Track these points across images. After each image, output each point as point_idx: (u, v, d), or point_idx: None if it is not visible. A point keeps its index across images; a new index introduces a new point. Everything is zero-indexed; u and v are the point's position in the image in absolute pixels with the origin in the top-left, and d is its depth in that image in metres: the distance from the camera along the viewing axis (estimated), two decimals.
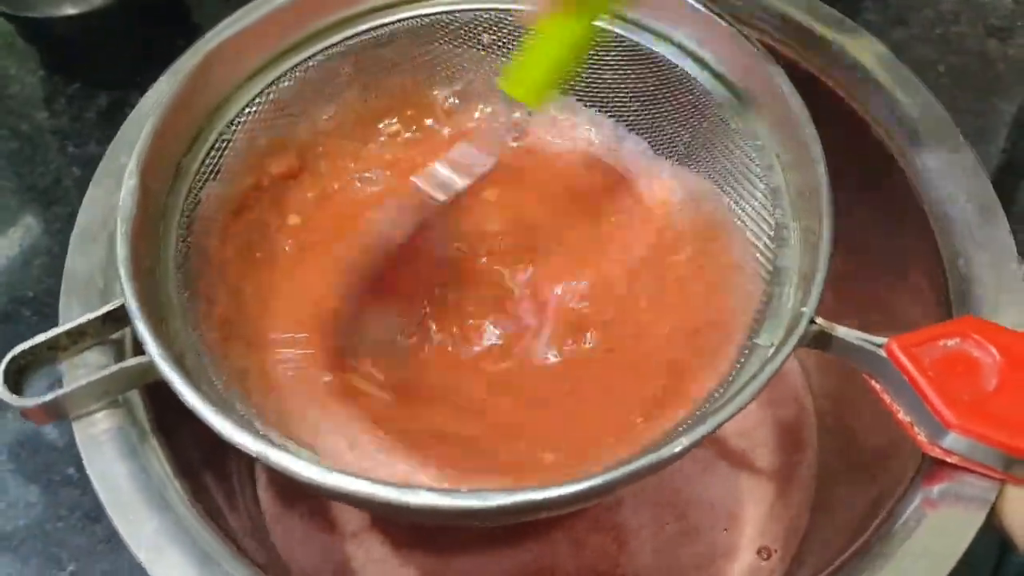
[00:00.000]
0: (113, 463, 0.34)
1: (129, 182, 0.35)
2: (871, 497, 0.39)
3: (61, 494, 0.47)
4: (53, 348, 0.34)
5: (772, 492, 0.49)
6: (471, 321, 0.42)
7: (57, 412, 0.33)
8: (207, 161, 0.39)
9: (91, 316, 0.34)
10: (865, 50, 0.44)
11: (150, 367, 0.32)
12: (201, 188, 0.39)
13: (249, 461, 0.49)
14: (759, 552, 0.47)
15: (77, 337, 0.34)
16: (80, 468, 0.45)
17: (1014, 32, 0.61)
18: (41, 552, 0.45)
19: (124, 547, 0.42)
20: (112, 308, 0.34)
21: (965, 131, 0.42)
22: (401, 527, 0.47)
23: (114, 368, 0.33)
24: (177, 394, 0.31)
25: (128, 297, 0.33)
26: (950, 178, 0.40)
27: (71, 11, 0.58)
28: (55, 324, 0.51)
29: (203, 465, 0.40)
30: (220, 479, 0.43)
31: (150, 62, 0.43)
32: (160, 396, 0.36)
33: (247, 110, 0.41)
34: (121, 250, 0.33)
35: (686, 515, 0.47)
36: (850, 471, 0.47)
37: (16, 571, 0.45)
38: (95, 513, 0.46)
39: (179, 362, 0.32)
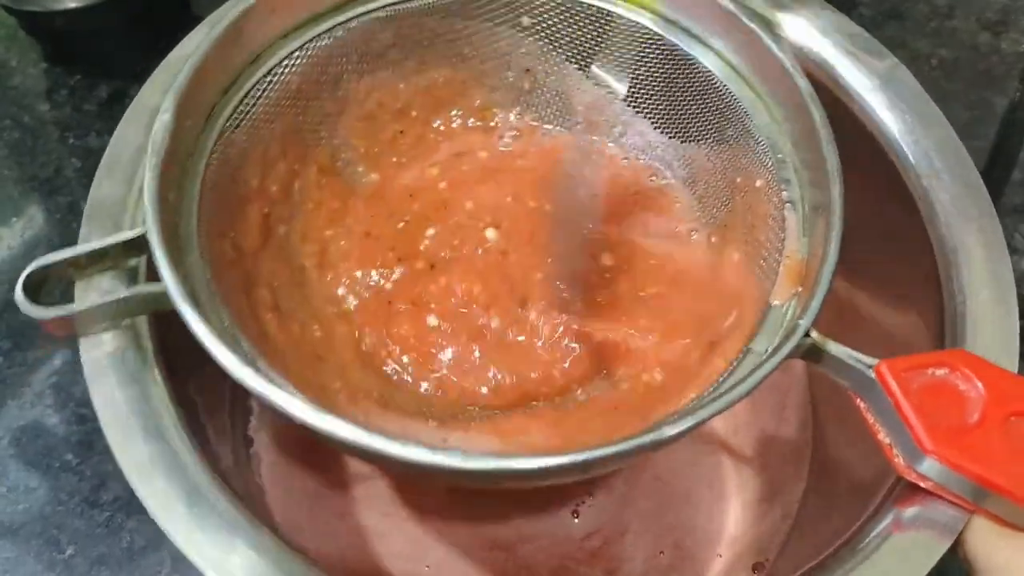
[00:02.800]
0: (114, 389, 0.35)
1: (163, 116, 0.36)
2: (851, 512, 0.39)
3: (61, 479, 0.48)
4: (73, 266, 0.35)
5: (768, 510, 0.49)
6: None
7: (69, 328, 0.34)
8: (240, 108, 0.40)
9: (114, 240, 0.35)
10: (889, 77, 0.45)
11: (163, 295, 0.33)
12: (232, 134, 0.40)
13: (245, 404, 0.50)
14: (754, 569, 0.48)
15: (97, 259, 0.35)
16: (79, 454, 0.49)
17: (1008, 26, 0.62)
18: (41, 535, 0.47)
19: (121, 531, 0.45)
20: (135, 235, 0.35)
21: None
22: (392, 490, 0.48)
23: (131, 291, 0.34)
24: (186, 324, 0.32)
25: (150, 226, 0.33)
26: (961, 214, 0.41)
27: (72, 4, 0.59)
28: None
29: (201, 403, 0.41)
30: (214, 418, 0.44)
31: (150, 54, 0.44)
32: (167, 332, 0.37)
33: (284, 63, 0.42)
34: (149, 180, 0.34)
35: (682, 543, 0.48)
36: (837, 488, 0.47)
37: (17, 554, 0.46)
38: (94, 498, 0.48)
39: (192, 294, 0.33)
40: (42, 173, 0.58)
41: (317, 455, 0.49)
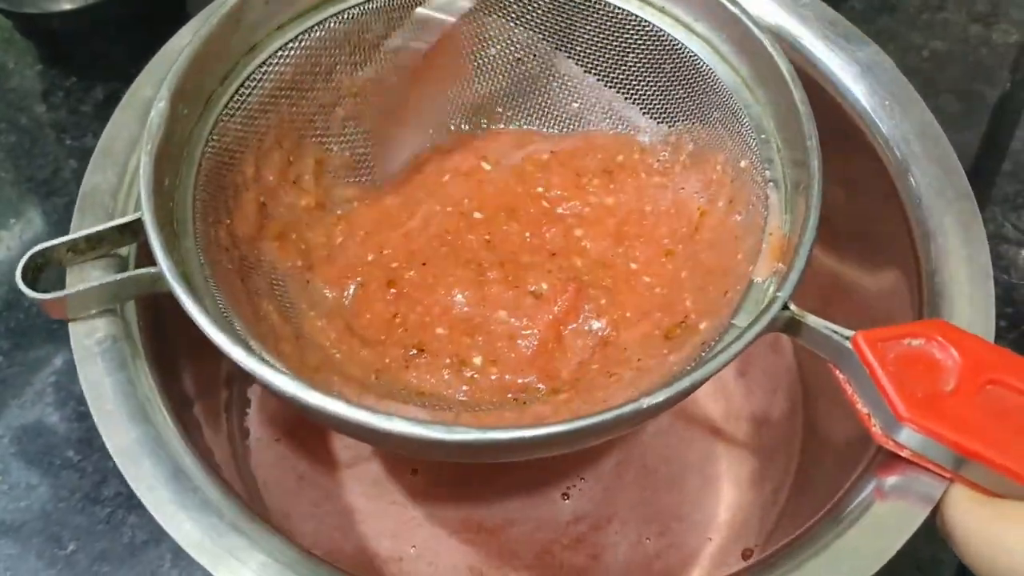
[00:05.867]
0: (103, 375, 0.36)
1: (159, 104, 0.37)
2: (834, 492, 0.40)
3: (62, 476, 0.49)
4: (71, 251, 0.36)
5: (757, 496, 0.50)
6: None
7: (65, 310, 0.36)
8: (236, 97, 0.41)
9: (111, 224, 0.36)
10: (870, 63, 0.45)
11: (159, 277, 0.34)
12: (228, 122, 0.41)
13: (243, 395, 0.51)
14: (743, 555, 0.48)
15: (95, 243, 0.36)
16: (80, 452, 0.49)
17: (998, 17, 0.63)
18: (43, 532, 0.47)
19: (122, 527, 0.47)
20: (130, 220, 0.36)
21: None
22: (378, 475, 0.49)
23: (127, 274, 0.35)
24: (180, 303, 0.33)
25: (145, 210, 0.35)
26: (939, 196, 0.42)
27: (68, 6, 0.60)
28: None
29: (193, 395, 0.43)
30: (207, 410, 0.45)
31: (146, 55, 0.44)
32: (157, 327, 0.39)
33: (279, 54, 0.42)
34: (144, 166, 0.35)
35: (670, 530, 0.49)
36: (824, 473, 0.48)
37: (19, 551, 0.47)
38: (95, 494, 0.48)
39: (186, 277, 0.34)
40: (39, 175, 0.59)
41: (306, 442, 0.50)
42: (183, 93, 0.38)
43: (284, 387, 0.31)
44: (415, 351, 0.42)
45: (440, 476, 0.49)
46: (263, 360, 0.33)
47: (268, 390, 0.33)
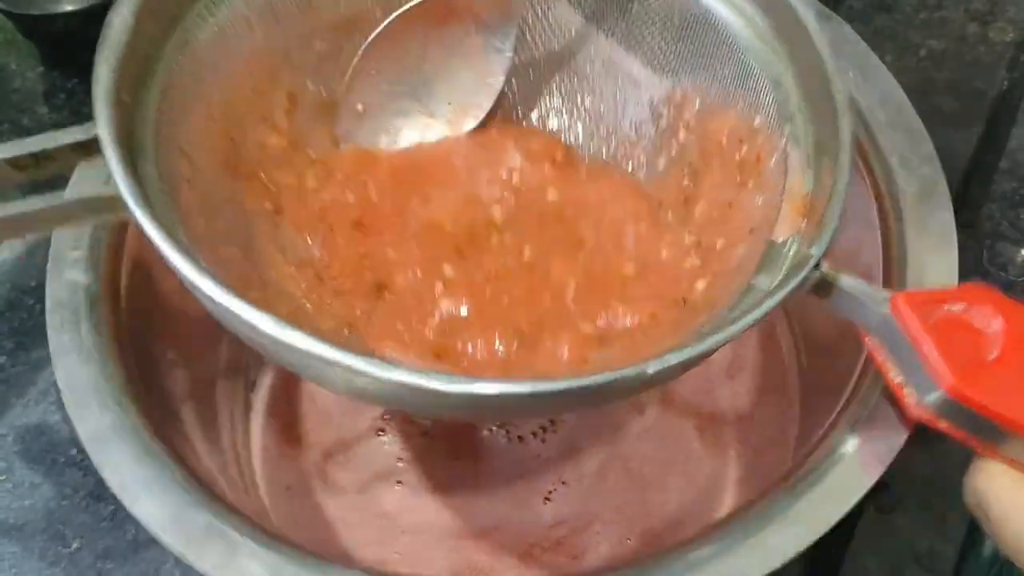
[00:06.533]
0: (79, 364, 0.36)
1: (122, 10, 0.33)
2: None
3: (66, 475, 0.49)
4: (16, 167, 0.31)
5: (742, 496, 0.48)
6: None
7: (15, 229, 0.32)
8: (205, 15, 0.37)
9: (59, 140, 0.32)
10: (834, 35, 0.44)
11: (114, 202, 0.30)
12: (196, 42, 0.37)
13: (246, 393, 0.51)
14: None
15: (43, 160, 0.32)
16: (83, 449, 0.46)
17: (995, 16, 0.64)
18: (46, 530, 0.47)
19: (126, 524, 0.47)
20: (85, 138, 0.32)
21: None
22: (366, 485, 0.48)
23: (73, 197, 0.31)
24: (141, 231, 0.29)
25: (101, 125, 0.31)
26: (904, 165, 0.41)
27: (69, 7, 0.61)
28: None
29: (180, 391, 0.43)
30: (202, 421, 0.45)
31: None
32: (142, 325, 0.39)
33: None
34: (100, 75, 0.31)
35: (653, 530, 0.47)
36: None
37: (22, 550, 0.46)
38: (98, 492, 0.48)
39: (147, 201, 0.30)
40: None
41: (290, 452, 0.49)
42: (147, 7, 0.34)
43: (262, 326, 0.27)
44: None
45: (424, 482, 0.48)
46: (236, 296, 0.29)
47: (239, 334, 0.29)
